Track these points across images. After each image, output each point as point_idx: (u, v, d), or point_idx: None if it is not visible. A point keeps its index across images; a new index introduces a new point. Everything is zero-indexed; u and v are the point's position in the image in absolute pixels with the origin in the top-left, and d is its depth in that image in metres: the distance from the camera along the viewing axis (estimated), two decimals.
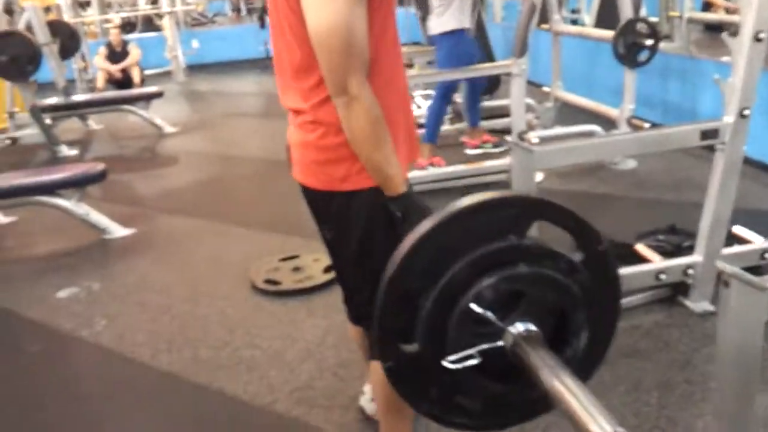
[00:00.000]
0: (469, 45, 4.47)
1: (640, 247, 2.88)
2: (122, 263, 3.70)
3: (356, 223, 1.55)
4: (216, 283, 3.37)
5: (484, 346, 1.13)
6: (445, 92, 4.72)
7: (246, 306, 3.10)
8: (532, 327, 1.14)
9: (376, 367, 1.70)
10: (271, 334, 2.84)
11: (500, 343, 1.14)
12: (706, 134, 2.38)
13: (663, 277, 2.60)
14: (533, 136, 4.18)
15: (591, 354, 1.22)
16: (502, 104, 5.02)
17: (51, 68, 6.56)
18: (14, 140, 6.10)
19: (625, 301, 2.72)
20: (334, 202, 1.55)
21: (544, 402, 1.13)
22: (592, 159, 3.20)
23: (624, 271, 2.62)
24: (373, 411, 2.22)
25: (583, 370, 1.20)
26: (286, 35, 1.47)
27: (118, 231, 4.06)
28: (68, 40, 7.05)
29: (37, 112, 5.85)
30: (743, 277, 1.35)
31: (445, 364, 1.12)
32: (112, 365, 2.74)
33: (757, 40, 2.24)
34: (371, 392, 2.22)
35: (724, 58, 4.44)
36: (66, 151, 6.08)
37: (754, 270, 2.82)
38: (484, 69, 4.46)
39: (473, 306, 1.11)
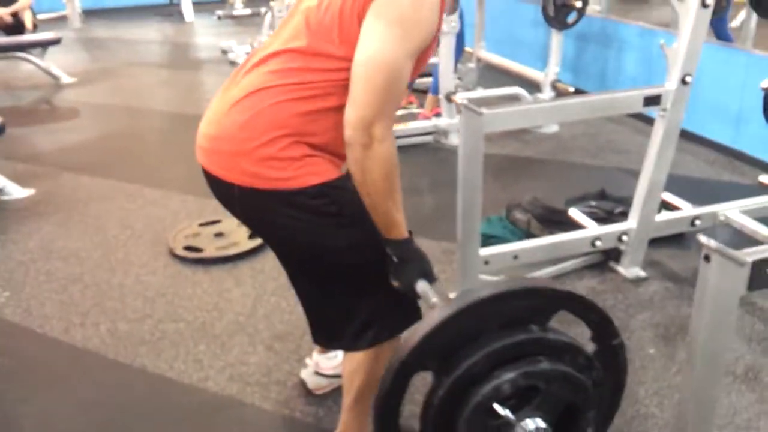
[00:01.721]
0: None
1: (574, 213, 2.88)
2: (23, 227, 3.38)
3: (300, 224, 1.45)
4: (131, 249, 3.13)
5: None
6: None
7: (166, 275, 2.90)
8: (542, 425, 1.12)
9: (352, 356, 1.61)
10: (196, 305, 2.66)
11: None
12: (649, 100, 2.37)
13: (598, 243, 2.60)
14: (460, 98, 4.10)
15: None
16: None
17: None
18: None
19: (559, 267, 2.73)
20: (274, 202, 1.42)
21: None
22: (540, 123, 3.16)
23: (560, 237, 2.61)
24: (315, 385, 2.12)
25: None
26: (331, 17, 1.36)
27: (16, 191, 3.71)
28: None
29: None
30: (725, 251, 1.31)
31: None
32: (19, 341, 2.49)
33: (704, 5, 2.22)
34: (315, 366, 2.12)
35: (641, 23, 4.53)
36: None
37: (681, 236, 2.90)
38: None
39: (495, 405, 1.10)
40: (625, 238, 2.63)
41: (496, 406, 1.09)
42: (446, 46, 4.03)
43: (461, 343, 1.10)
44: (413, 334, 1.10)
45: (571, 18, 4.25)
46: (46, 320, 2.58)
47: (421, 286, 1.44)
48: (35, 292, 2.79)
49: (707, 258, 1.31)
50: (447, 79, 4.12)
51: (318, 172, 1.41)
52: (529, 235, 2.93)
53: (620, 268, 2.74)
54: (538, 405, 1.12)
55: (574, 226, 2.80)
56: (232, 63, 6.73)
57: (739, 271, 1.29)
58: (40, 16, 8.74)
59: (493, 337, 1.10)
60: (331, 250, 1.49)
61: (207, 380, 2.23)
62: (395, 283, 1.47)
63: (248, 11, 9.14)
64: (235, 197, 1.46)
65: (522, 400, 1.12)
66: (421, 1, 1.32)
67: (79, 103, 5.68)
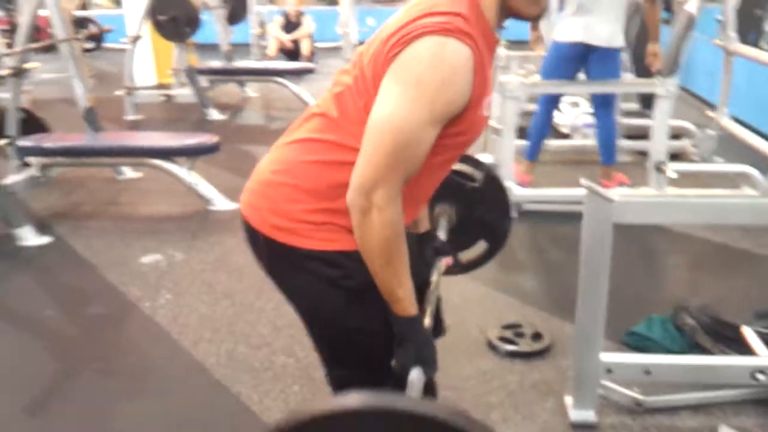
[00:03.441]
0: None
1: (747, 332, 2.37)
2: (212, 237, 3.73)
3: (312, 292, 1.39)
4: None
5: None
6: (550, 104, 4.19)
7: None
8: None
9: None
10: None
11: None
12: None
13: (761, 377, 2.10)
14: (671, 169, 3.65)
15: None
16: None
17: (218, 32, 6.86)
18: (169, 97, 6.44)
19: (708, 395, 2.26)
20: (291, 260, 1.37)
21: None
22: (687, 222, 2.66)
23: (708, 360, 2.18)
24: None
25: None
26: (360, 87, 1.30)
27: (222, 204, 4.10)
28: (238, 7, 7.30)
29: (192, 74, 6.12)
30: None
31: None
32: (153, 344, 2.74)
33: None
34: None
35: None
36: (215, 114, 6.33)
37: None
38: (624, 85, 3.95)
39: None
40: None
41: None
42: (661, 111, 3.62)
43: None
44: (309, 407, 0.94)
45: None
46: (185, 330, 2.80)
47: (414, 374, 1.29)
48: (190, 300, 3.04)
49: None
50: (659, 146, 3.69)
51: (337, 239, 1.33)
52: (694, 346, 2.49)
53: None
54: None
55: (744, 347, 2.31)
56: None
57: None
58: (320, 45, 9.69)
59: None
60: (339, 328, 1.41)
61: None
62: (393, 363, 1.34)
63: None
64: (260, 246, 1.43)
65: None
66: (443, 64, 1.19)
67: None
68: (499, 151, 3.97)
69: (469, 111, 1.25)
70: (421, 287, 1.52)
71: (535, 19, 1.39)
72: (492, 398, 2.33)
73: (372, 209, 1.20)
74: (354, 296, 1.35)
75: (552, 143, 5.20)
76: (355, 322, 1.38)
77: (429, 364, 1.32)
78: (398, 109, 1.19)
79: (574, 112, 5.20)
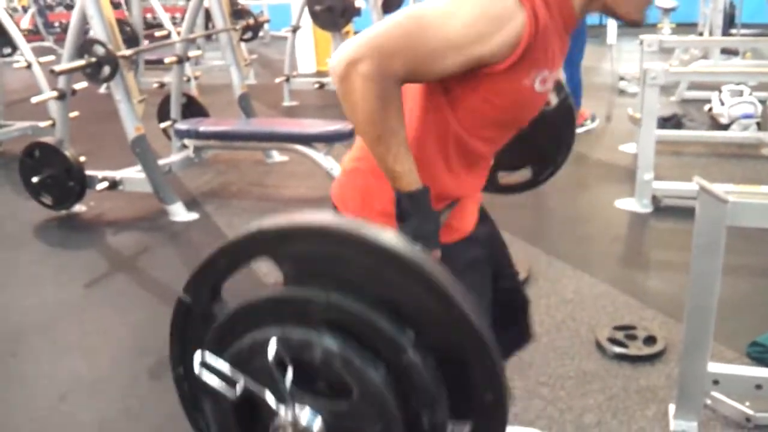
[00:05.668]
0: None
1: None
2: None
3: None
4: None
5: (247, 387, 0.98)
6: None
7: None
8: (316, 427, 0.93)
9: None
10: None
11: (279, 409, 0.96)
12: None
13: None
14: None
15: None
16: None
17: (372, 21, 7.02)
18: (322, 85, 6.70)
19: None
20: None
21: None
22: None
23: None
24: None
25: None
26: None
27: None
28: None
29: None
30: None
31: (195, 362, 1.00)
32: None
33: None
34: None
35: None
36: None
37: None
38: None
39: (272, 344, 0.94)
40: None
41: (272, 346, 0.94)
42: None
43: (321, 264, 0.96)
44: (295, 214, 0.98)
45: None
46: None
47: None
48: None
49: None
50: None
51: None
52: None
53: None
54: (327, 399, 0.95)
55: None
56: (621, 92, 6.45)
57: None
58: None
59: (348, 287, 0.93)
60: None
61: None
62: None
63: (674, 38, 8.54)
64: None
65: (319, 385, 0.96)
66: (494, 6, 1.17)
67: None
68: (640, 141, 3.77)
69: (505, 73, 1.22)
70: None
71: (633, 25, 1.34)
72: (589, 400, 2.25)
73: (351, 74, 1.15)
74: None
75: (709, 134, 4.85)
76: None
77: (428, 240, 1.29)
78: (436, 12, 1.19)
79: (734, 101, 4.78)
